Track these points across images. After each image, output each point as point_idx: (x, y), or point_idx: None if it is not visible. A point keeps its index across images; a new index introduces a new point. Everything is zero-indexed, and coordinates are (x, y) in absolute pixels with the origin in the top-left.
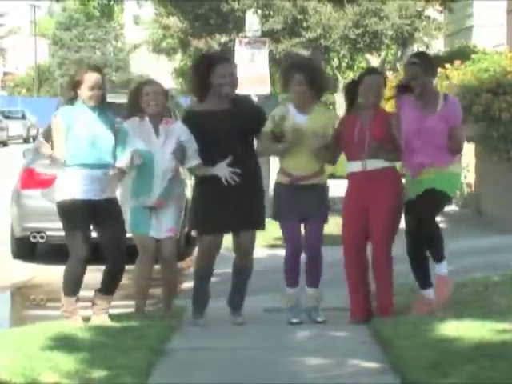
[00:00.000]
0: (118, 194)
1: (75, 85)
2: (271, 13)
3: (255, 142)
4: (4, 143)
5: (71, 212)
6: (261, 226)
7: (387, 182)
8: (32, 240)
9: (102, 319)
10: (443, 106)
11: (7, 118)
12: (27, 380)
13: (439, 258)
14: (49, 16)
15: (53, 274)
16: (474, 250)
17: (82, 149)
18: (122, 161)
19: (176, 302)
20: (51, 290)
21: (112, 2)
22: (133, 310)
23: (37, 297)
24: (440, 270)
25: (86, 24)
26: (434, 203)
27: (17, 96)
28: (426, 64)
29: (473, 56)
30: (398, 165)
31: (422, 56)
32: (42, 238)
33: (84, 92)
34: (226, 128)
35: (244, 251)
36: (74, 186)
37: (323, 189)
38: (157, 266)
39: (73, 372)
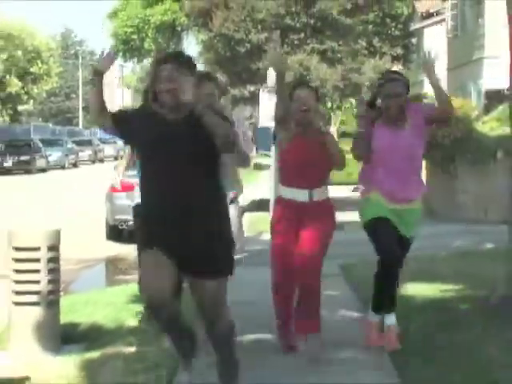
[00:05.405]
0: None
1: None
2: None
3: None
4: (101, 160)
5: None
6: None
7: None
8: (120, 227)
9: None
10: (410, 117)
11: (103, 142)
12: (117, 324)
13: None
14: (131, 72)
15: (134, 251)
16: (425, 235)
17: None
18: None
19: None
20: (133, 262)
21: None
22: None
23: (123, 266)
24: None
25: None
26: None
27: None
28: (407, 81)
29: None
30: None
31: (399, 73)
32: (127, 225)
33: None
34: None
35: (206, 309)
36: None
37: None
38: None
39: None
